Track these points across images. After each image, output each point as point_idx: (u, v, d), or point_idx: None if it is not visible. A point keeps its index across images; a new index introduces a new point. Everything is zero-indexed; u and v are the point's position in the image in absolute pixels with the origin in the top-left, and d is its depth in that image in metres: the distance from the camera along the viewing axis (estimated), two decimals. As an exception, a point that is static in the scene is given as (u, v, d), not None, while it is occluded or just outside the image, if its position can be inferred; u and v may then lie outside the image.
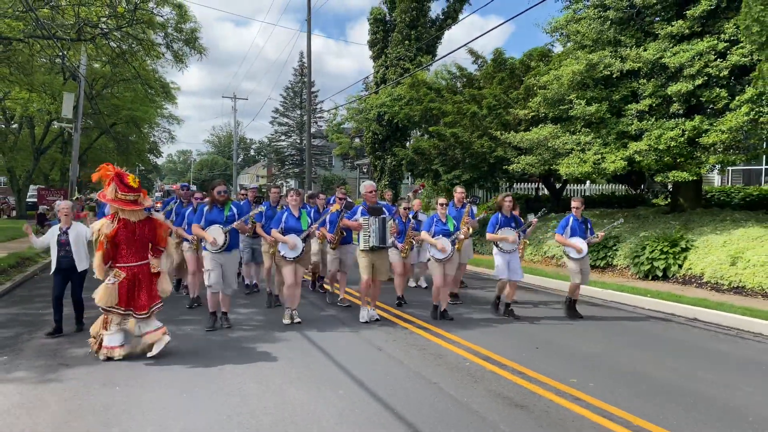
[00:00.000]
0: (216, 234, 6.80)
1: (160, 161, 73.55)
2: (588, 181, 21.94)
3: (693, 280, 10.71)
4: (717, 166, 11.62)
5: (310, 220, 7.56)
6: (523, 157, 13.83)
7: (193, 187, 13.11)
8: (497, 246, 8.06)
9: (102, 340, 5.76)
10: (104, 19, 14.83)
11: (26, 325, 7.26)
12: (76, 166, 21.34)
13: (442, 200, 8.09)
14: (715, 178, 20.85)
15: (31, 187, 33.92)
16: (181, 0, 15.73)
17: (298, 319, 7.44)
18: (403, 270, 9.02)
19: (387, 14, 27.83)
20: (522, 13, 16.94)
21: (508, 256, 7.99)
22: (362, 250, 7.52)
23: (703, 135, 11.01)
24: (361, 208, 7.70)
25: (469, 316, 8.25)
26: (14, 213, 33.44)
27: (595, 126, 12.48)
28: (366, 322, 7.50)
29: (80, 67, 19.59)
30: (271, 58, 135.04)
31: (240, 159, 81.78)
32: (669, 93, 11.43)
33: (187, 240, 8.31)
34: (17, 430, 4.07)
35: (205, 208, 7.01)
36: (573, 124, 12.86)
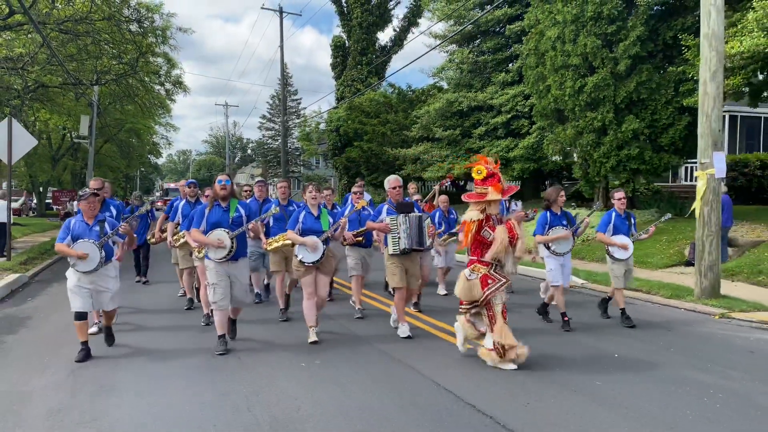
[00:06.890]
0: (221, 238, 5.71)
1: (160, 161, 79.50)
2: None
3: (503, 246, 16.41)
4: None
5: (331, 220, 6.44)
6: (410, 165, 19.62)
7: None
8: (548, 248, 7.02)
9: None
10: (115, 65, 20.62)
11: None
12: (92, 173, 27.05)
13: None
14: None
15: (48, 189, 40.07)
16: (171, 56, 21.64)
17: (314, 338, 6.12)
18: (427, 273, 8.16)
19: (346, 41, 33.50)
20: (415, 60, 22.41)
21: (562, 259, 6.99)
22: (391, 255, 6.48)
23: (510, 151, 16.75)
24: (386, 206, 6.70)
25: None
26: (32, 213, 39.33)
27: (453, 144, 18.20)
28: (407, 337, 6.36)
29: (94, 96, 25.37)
30: (264, 53, 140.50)
31: (237, 158, 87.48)
32: (492, 123, 17.16)
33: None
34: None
35: (206, 209, 5.90)
36: (441, 143, 18.59)
